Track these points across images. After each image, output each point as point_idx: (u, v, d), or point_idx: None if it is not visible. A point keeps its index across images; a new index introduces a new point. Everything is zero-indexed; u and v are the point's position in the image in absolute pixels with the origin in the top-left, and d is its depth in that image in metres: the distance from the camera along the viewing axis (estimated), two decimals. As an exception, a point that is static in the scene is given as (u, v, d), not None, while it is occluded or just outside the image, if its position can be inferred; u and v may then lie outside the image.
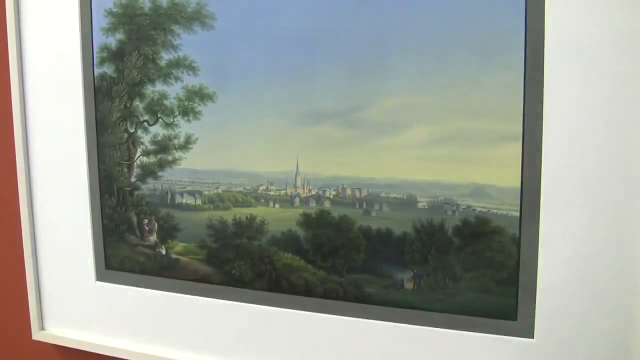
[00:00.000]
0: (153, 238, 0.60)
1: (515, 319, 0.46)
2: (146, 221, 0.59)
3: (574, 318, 0.45)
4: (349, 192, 0.52)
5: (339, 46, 0.49)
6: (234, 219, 0.56)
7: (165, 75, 0.55)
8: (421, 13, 0.46)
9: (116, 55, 0.56)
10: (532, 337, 0.46)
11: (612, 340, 0.44)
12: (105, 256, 0.61)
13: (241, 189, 0.56)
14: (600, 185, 0.43)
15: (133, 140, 0.58)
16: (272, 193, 0.55)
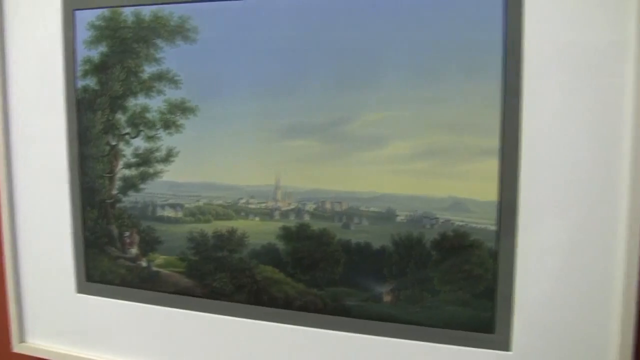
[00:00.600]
0: (134, 250, 0.59)
1: (493, 332, 0.46)
2: (127, 233, 0.59)
3: (552, 331, 0.45)
4: (328, 205, 0.51)
5: (320, 60, 0.48)
6: (215, 232, 0.55)
7: (148, 88, 0.54)
8: (401, 27, 0.46)
9: (99, 68, 0.56)
10: (510, 350, 0.45)
11: (590, 353, 0.44)
12: (87, 268, 0.60)
13: (222, 202, 0.55)
14: (577, 199, 0.43)
15: (115, 153, 0.57)
16: (252, 206, 0.54)
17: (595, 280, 0.43)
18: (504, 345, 0.45)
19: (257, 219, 0.55)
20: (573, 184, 0.43)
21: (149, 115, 0.55)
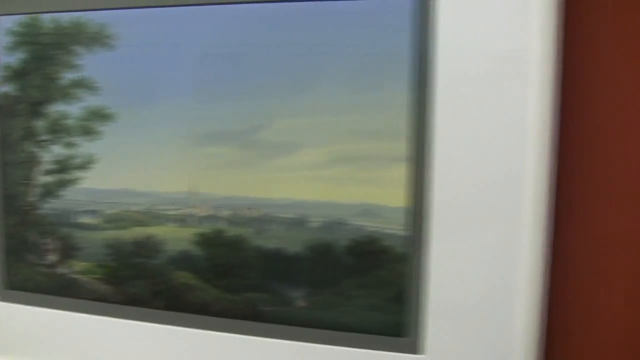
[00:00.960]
0: (54, 257, 0.58)
1: (406, 336, 0.46)
2: (47, 241, 0.58)
3: (464, 333, 0.45)
4: (244, 212, 0.51)
5: (236, 68, 0.48)
6: (132, 239, 0.55)
7: (66, 95, 0.54)
8: (314, 36, 0.46)
9: (18, 75, 0.55)
10: (423, 353, 0.46)
11: (501, 355, 0.45)
12: (8, 276, 0.59)
13: (139, 208, 0.55)
14: (488, 205, 0.43)
15: (34, 160, 0.56)
16: (169, 213, 0.54)
17: (507, 284, 0.44)
18: (417, 348, 0.46)
19: (173, 225, 0.54)
20: (481, 188, 0.43)
21: (67, 122, 0.54)
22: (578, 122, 0.45)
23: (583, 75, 0.45)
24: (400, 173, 0.45)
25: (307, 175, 0.48)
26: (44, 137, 0.56)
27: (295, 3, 0.47)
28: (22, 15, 0.55)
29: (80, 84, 0.53)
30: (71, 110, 0.54)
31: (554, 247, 0.46)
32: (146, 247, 0.55)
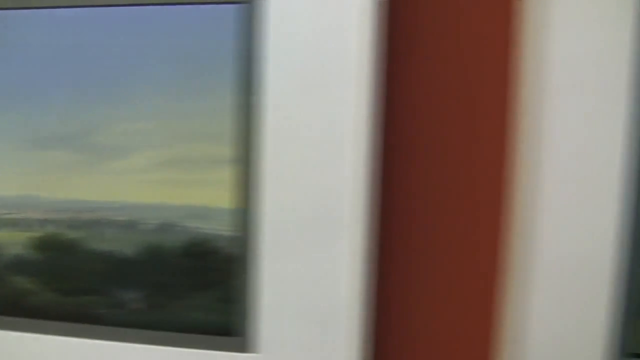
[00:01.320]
0: None
1: (239, 335, 0.46)
2: None
3: (300, 332, 0.46)
4: (79, 215, 0.51)
5: (69, 70, 0.49)
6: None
7: None
8: (145, 42, 0.47)
9: None
10: (259, 352, 0.46)
11: (335, 352, 0.45)
12: None
13: None
14: (316, 204, 0.44)
15: None
16: (5, 217, 0.54)
17: (328, 281, 0.45)
18: (253, 347, 0.46)
19: (10, 229, 0.54)
20: (309, 188, 0.44)
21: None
22: (401, 122, 0.46)
23: (406, 76, 0.46)
24: (227, 175, 0.45)
25: (140, 179, 0.48)
26: None
27: (127, 7, 0.47)
28: None
29: None
30: None
31: (379, 243, 0.47)
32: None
